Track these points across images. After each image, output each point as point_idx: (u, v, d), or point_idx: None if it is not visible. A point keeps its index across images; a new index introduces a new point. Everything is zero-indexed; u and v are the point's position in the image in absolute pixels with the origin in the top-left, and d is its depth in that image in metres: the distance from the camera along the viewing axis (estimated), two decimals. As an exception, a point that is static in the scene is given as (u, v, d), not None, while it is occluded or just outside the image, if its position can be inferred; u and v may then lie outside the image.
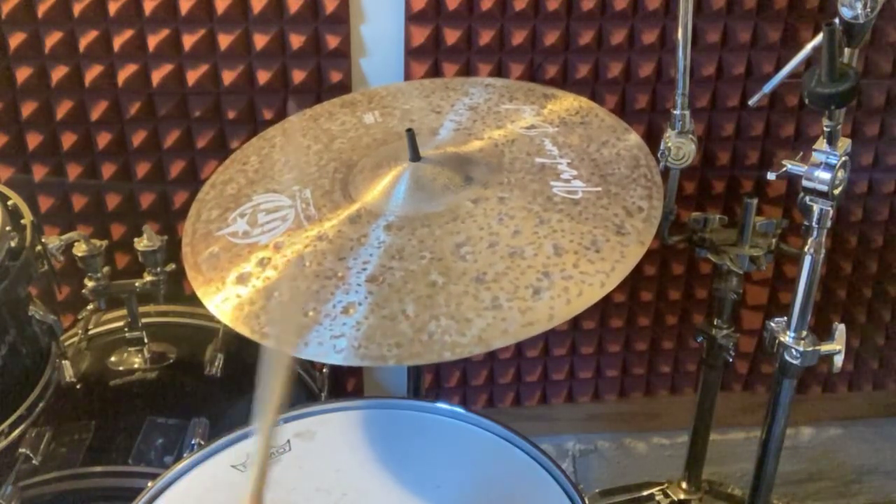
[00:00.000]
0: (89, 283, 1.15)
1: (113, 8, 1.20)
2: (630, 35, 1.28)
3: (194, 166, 1.32)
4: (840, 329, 1.04)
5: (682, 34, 1.05)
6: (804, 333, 1.05)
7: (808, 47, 0.94)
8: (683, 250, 1.44)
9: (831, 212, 0.96)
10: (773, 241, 1.18)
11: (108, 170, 1.31)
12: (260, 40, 1.24)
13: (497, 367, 1.53)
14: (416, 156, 0.94)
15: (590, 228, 0.86)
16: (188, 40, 1.23)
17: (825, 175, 0.94)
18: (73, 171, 1.30)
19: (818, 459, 1.73)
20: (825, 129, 0.91)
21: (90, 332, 1.22)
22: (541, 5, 1.24)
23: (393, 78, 1.29)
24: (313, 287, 0.83)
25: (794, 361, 1.05)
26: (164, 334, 1.22)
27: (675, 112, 1.09)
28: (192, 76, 1.25)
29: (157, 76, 1.25)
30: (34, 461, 1.00)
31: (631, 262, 0.82)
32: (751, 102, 1.08)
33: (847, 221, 1.44)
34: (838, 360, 1.04)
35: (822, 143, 0.93)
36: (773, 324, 1.07)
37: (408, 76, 1.28)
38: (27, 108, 1.25)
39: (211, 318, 0.93)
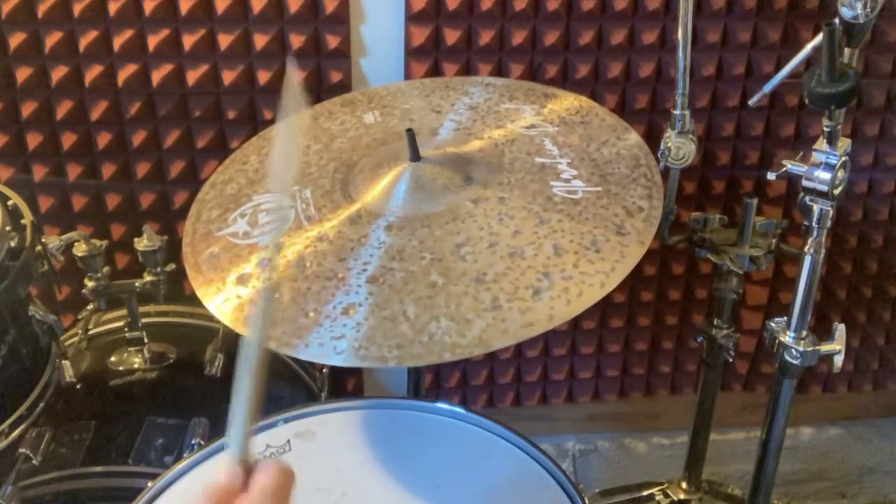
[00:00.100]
0: (89, 283, 1.15)
1: (113, 8, 1.20)
2: (630, 35, 1.28)
3: (194, 166, 1.32)
4: (840, 329, 1.04)
5: (682, 34, 1.05)
6: (804, 333, 1.05)
7: (808, 47, 0.94)
8: (683, 250, 1.44)
9: (831, 212, 0.96)
10: (773, 241, 1.17)
11: (108, 170, 1.31)
12: (260, 40, 1.23)
13: (497, 367, 1.53)
14: (416, 156, 0.94)
15: (590, 228, 0.85)
16: (188, 40, 1.23)
17: (825, 175, 0.94)
18: (73, 171, 1.30)
19: (818, 459, 1.73)
20: (825, 129, 0.91)
21: (90, 332, 1.22)
22: (541, 5, 1.24)
23: (393, 78, 1.29)
24: (314, 288, 0.83)
25: (794, 361, 1.05)
26: (164, 334, 1.22)
27: (675, 112, 1.09)
28: (192, 76, 1.25)
29: (157, 76, 1.25)
30: (34, 461, 1.00)
31: (631, 263, 0.82)
32: (751, 102, 1.08)
33: (847, 221, 1.44)
34: (838, 360, 1.04)
35: (822, 143, 0.94)
36: (773, 324, 1.07)
37: (408, 76, 1.28)
38: (27, 108, 1.25)
39: (211, 318, 0.92)
